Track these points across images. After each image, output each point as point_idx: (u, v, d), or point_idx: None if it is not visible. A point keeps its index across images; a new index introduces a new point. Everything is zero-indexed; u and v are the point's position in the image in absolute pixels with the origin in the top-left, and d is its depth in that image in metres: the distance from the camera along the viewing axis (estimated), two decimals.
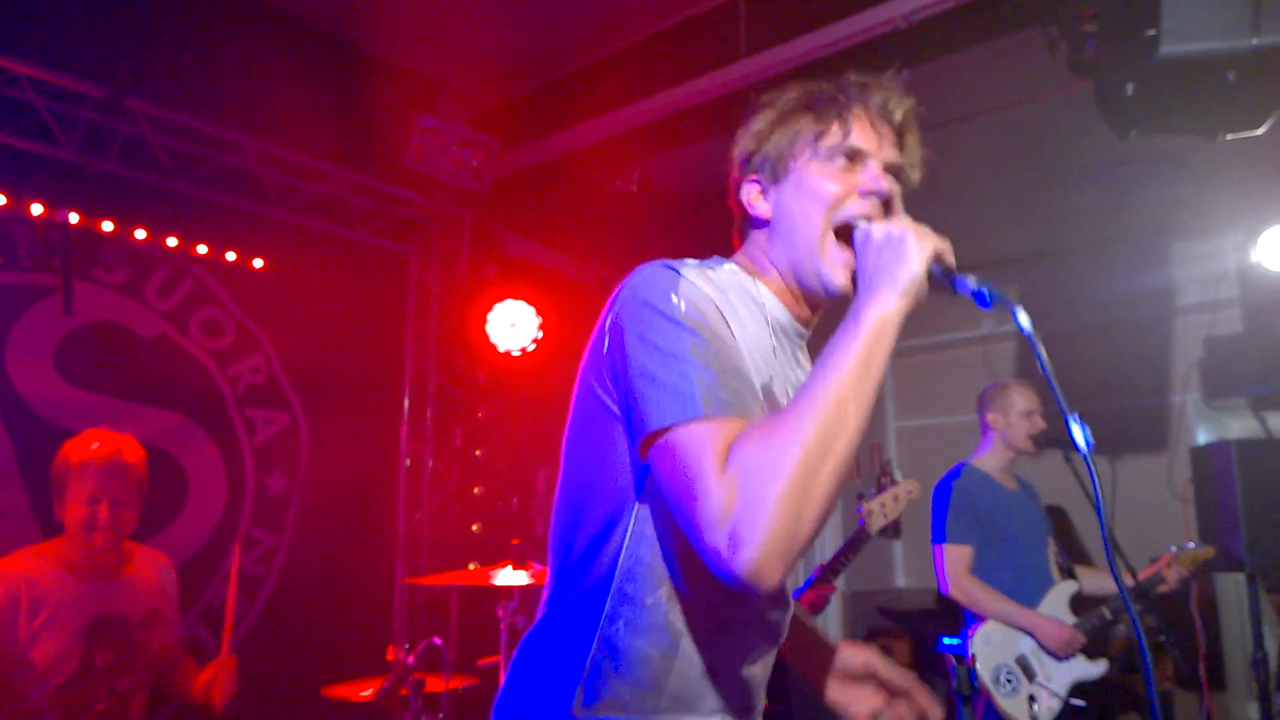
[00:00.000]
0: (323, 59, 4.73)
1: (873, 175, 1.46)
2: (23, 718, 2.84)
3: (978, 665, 3.83)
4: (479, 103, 5.34)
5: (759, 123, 1.57)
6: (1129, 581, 3.92)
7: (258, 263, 4.59)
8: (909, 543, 7.53)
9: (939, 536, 4.03)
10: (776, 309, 1.53)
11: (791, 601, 1.57)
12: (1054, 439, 4.08)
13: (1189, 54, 2.71)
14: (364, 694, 3.21)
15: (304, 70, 4.61)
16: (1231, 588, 5.80)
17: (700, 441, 1.22)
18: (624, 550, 1.37)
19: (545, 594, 1.51)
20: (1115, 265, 6.49)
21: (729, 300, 1.41)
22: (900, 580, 7.72)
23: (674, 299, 1.32)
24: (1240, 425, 6.20)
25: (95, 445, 2.99)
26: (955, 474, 4.13)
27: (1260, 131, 2.95)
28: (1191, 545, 4.12)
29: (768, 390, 1.42)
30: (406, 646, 3.26)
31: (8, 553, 3.00)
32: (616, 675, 1.37)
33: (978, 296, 1.26)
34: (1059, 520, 5.92)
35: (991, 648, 3.88)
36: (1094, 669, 3.94)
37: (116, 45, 4.01)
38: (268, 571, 4.54)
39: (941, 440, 7.18)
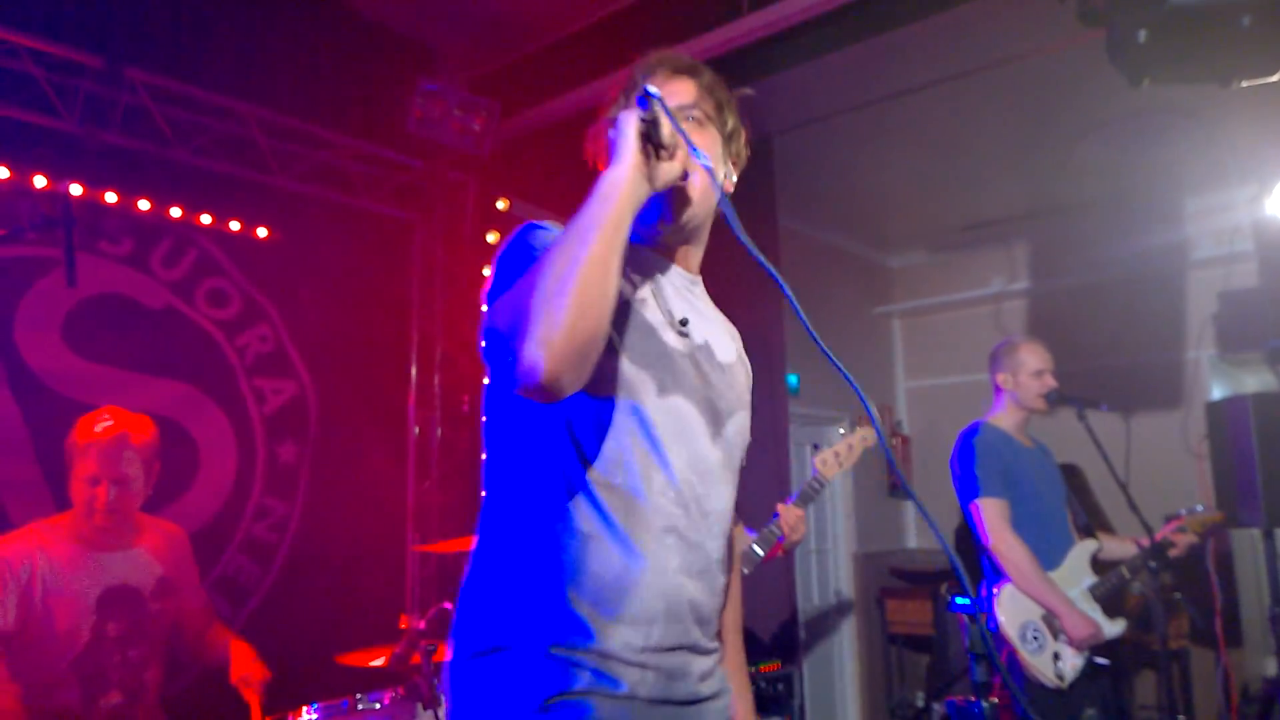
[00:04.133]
0: (321, 24, 4.67)
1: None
2: (42, 689, 2.87)
3: (1003, 620, 3.80)
4: (480, 66, 5.29)
5: (597, 134, 1.78)
6: (1146, 543, 3.90)
7: (262, 232, 4.56)
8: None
9: (973, 492, 3.91)
10: (660, 263, 1.71)
11: (713, 516, 1.61)
12: (1066, 397, 4.03)
13: None
14: (376, 663, 3.22)
15: (302, 36, 4.55)
16: (1247, 544, 5.78)
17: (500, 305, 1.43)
18: (522, 477, 1.53)
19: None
20: (1128, 220, 6.43)
21: None
22: (912, 541, 7.74)
23: (523, 242, 1.57)
24: (1256, 379, 6.17)
25: (100, 427, 2.97)
26: (974, 431, 4.03)
27: (1275, 78, 2.89)
28: (1200, 509, 4.08)
29: (641, 302, 1.60)
30: (418, 612, 3.26)
31: (22, 524, 3.02)
32: (537, 583, 1.46)
33: (641, 101, 1.47)
34: (1075, 478, 5.91)
35: (1019, 604, 3.83)
36: (1114, 628, 3.91)
37: (114, 13, 3.96)
38: (281, 539, 4.56)
39: (951, 400, 7.17)
